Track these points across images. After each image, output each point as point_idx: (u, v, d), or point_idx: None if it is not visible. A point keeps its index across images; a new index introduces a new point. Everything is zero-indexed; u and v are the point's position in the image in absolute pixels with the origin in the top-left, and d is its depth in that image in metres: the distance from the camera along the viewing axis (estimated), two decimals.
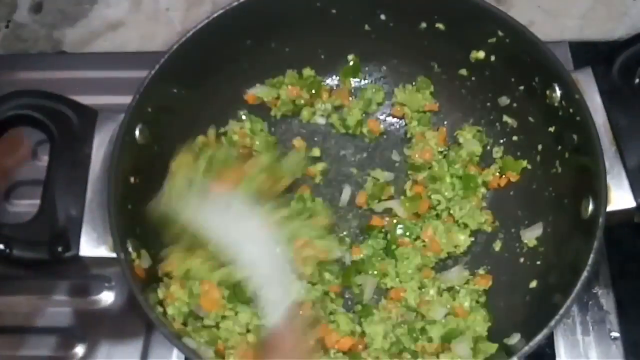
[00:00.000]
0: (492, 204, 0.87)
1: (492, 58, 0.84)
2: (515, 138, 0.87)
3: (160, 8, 1.13)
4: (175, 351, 0.86)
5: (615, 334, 0.84)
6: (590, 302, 0.86)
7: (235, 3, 0.82)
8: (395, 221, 0.85)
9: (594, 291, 0.87)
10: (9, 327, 0.89)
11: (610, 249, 0.88)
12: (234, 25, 0.83)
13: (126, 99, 0.78)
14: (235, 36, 0.85)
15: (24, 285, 0.91)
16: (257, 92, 0.90)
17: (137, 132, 0.77)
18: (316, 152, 0.91)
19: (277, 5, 0.84)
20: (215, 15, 0.82)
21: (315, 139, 0.93)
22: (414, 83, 0.92)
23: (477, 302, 0.81)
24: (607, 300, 0.86)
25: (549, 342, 0.84)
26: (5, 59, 1.09)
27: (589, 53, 1.01)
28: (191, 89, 0.84)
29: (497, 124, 0.88)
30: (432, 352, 0.77)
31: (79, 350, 0.87)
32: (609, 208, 0.72)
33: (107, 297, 0.90)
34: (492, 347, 0.75)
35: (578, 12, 1.08)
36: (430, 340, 0.78)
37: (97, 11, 1.13)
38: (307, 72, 0.91)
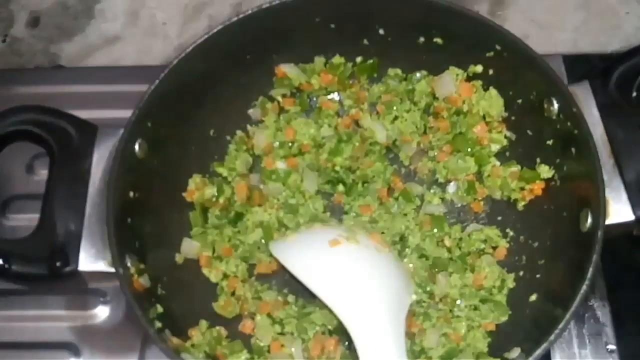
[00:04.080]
0: (491, 218, 0.87)
1: (490, 72, 0.85)
2: (514, 151, 0.87)
3: (157, 22, 1.13)
4: None
5: (612, 347, 0.84)
6: (586, 315, 0.86)
7: (235, 19, 0.83)
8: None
9: (590, 304, 0.87)
10: (4, 342, 0.88)
11: (606, 260, 0.86)
12: (233, 40, 0.84)
13: (124, 113, 0.78)
14: (235, 51, 0.85)
15: (19, 300, 0.90)
16: (288, 70, 0.89)
17: (136, 147, 0.77)
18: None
19: (276, 20, 0.84)
20: (215, 30, 0.82)
21: None
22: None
23: (473, 327, 0.80)
24: (603, 312, 0.87)
25: (546, 354, 0.83)
26: (2, 74, 1.09)
27: (583, 66, 1.02)
28: (191, 103, 0.84)
29: None
30: None
31: None
32: (608, 221, 0.72)
33: (102, 312, 0.90)
34: None
35: (572, 25, 1.09)
36: (429, 359, 0.78)
37: (94, 26, 1.13)
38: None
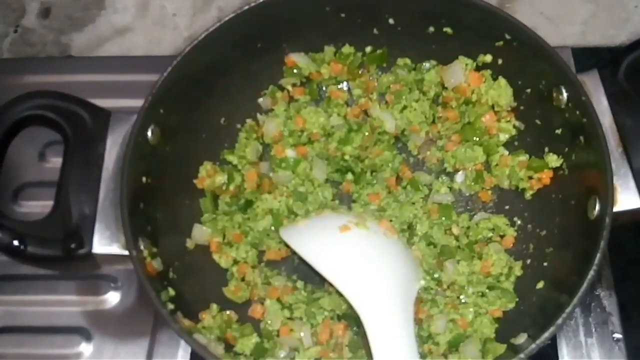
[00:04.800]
0: (499, 207, 0.88)
1: (500, 61, 0.85)
2: (522, 140, 0.87)
3: (166, 13, 1.14)
4: (180, 351, 0.87)
5: (618, 336, 0.85)
6: (593, 304, 0.87)
7: (246, 7, 0.83)
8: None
9: (597, 293, 0.88)
10: (16, 326, 0.90)
11: (612, 251, 0.88)
12: (243, 29, 0.84)
13: (133, 102, 0.79)
14: (245, 40, 0.86)
15: (31, 285, 0.91)
16: (298, 59, 0.90)
17: (149, 133, 0.78)
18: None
19: (286, 9, 0.85)
20: (226, 19, 0.83)
21: None
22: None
23: (480, 313, 0.81)
24: (609, 302, 0.87)
25: (552, 343, 0.84)
26: (14, 63, 1.10)
27: (591, 59, 1.03)
28: (202, 91, 0.85)
29: None
30: (440, 354, 0.78)
31: (85, 349, 0.88)
32: (616, 209, 0.72)
33: (113, 297, 0.91)
34: (501, 348, 0.75)
35: (580, 18, 1.09)
36: (437, 344, 0.79)
37: (105, 16, 1.14)
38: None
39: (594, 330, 0.86)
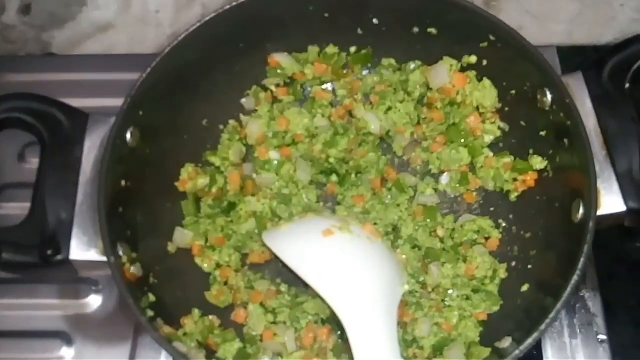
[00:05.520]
0: (483, 208, 0.88)
1: (484, 62, 0.85)
2: (507, 142, 0.87)
3: (149, 10, 1.12)
4: (164, 354, 0.86)
5: (602, 337, 0.85)
6: (577, 305, 0.87)
7: (228, 6, 0.82)
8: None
9: (581, 294, 0.88)
10: None
11: (597, 251, 0.87)
12: (226, 28, 0.83)
13: (115, 101, 0.78)
14: (228, 39, 0.85)
15: (10, 289, 0.90)
16: (281, 59, 0.89)
17: (128, 135, 0.76)
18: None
19: (269, 8, 0.84)
20: (208, 18, 0.82)
21: None
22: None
23: (465, 316, 0.81)
24: (594, 302, 0.87)
25: (537, 344, 0.84)
26: None
27: (577, 58, 1.02)
28: (184, 91, 0.84)
29: None
30: (425, 357, 0.78)
31: (66, 353, 0.87)
32: (599, 212, 0.72)
33: (94, 301, 0.90)
34: (485, 352, 0.75)
35: (566, 16, 1.09)
36: (421, 348, 0.78)
37: (86, 13, 1.12)
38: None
39: (578, 331, 0.86)
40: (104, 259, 0.70)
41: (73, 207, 0.73)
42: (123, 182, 0.76)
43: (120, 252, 0.72)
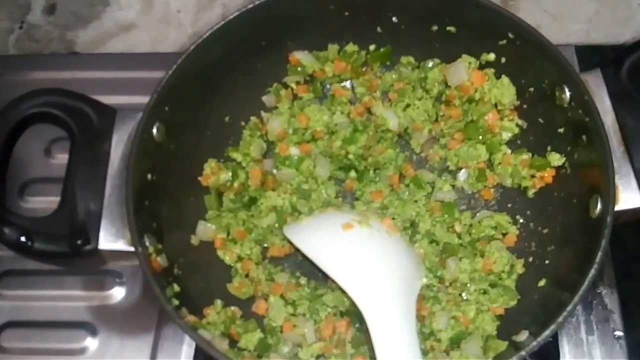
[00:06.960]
0: (501, 205, 0.88)
1: (503, 60, 0.85)
2: (525, 139, 0.88)
3: (171, 10, 1.14)
4: (185, 346, 0.87)
5: (619, 333, 0.85)
6: (594, 302, 0.87)
7: (250, 6, 0.84)
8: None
9: (598, 291, 0.88)
10: (22, 320, 0.91)
11: (614, 248, 0.88)
12: (248, 27, 0.85)
13: (138, 99, 0.80)
14: (249, 38, 0.86)
15: (37, 280, 0.92)
16: (302, 57, 0.90)
17: (154, 130, 0.78)
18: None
19: (290, 7, 0.86)
20: (230, 17, 0.83)
21: None
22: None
23: (482, 310, 0.81)
24: (611, 299, 0.87)
25: (554, 341, 0.85)
26: (19, 60, 1.11)
27: (595, 57, 1.03)
28: (207, 89, 0.85)
29: None
30: (442, 350, 0.79)
31: (91, 344, 0.89)
32: (617, 207, 0.73)
33: (118, 293, 0.91)
34: (503, 345, 0.76)
35: (584, 16, 1.10)
36: (439, 341, 0.79)
37: (109, 13, 1.14)
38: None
39: (595, 327, 0.86)
40: (132, 249, 0.72)
41: (102, 200, 0.75)
42: (149, 176, 0.77)
43: (147, 243, 0.73)
